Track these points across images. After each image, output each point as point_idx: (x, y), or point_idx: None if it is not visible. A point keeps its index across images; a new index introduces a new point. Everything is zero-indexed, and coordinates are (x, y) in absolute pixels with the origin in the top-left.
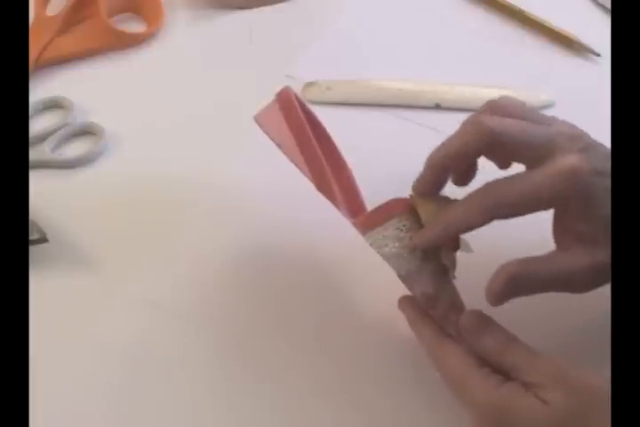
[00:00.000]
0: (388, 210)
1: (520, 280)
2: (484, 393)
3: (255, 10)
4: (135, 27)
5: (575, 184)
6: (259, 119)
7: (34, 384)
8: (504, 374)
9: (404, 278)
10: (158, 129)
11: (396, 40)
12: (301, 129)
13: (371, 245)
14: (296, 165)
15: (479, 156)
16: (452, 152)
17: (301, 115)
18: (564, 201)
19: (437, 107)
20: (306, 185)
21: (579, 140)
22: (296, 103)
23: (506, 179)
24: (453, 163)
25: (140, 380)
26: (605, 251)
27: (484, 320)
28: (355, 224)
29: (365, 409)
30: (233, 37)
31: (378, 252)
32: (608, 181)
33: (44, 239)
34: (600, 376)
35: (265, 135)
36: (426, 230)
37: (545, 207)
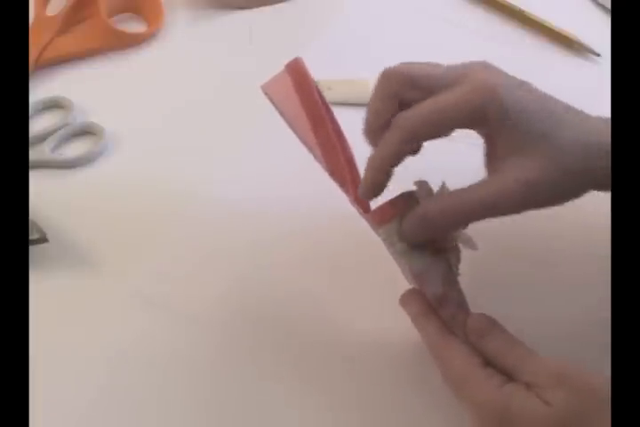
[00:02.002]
0: (401, 204)
1: (433, 221)
2: (486, 393)
3: (255, 10)
4: (135, 27)
5: (491, 96)
6: (267, 89)
7: (34, 384)
8: (507, 375)
9: (414, 277)
10: (158, 129)
11: (396, 40)
12: (314, 103)
13: (383, 240)
14: (304, 143)
15: (397, 103)
16: (378, 107)
17: (315, 88)
18: (482, 115)
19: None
20: (306, 185)
21: (490, 67)
22: (310, 75)
23: (429, 99)
24: (383, 116)
25: (140, 379)
26: (532, 165)
27: (490, 322)
28: (367, 218)
29: (368, 410)
30: (233, 37)
31: (388, 248)
32: (521, 92)
33: (43, 239)
34: (600, 376)
35: (263, 134)
36: (365, 174)
37: (466, 123)
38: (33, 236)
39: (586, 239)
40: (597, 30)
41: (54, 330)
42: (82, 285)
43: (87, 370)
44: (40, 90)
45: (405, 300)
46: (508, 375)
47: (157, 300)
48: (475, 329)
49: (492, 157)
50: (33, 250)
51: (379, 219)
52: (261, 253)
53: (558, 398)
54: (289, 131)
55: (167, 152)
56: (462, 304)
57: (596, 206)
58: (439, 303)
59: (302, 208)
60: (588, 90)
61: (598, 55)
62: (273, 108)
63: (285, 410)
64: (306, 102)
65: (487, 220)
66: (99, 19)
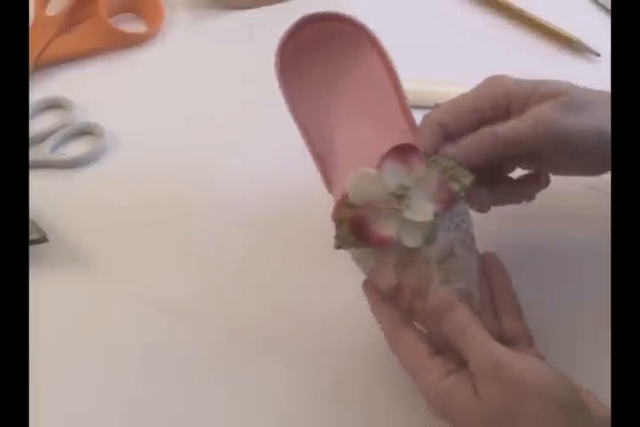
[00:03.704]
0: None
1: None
2: (429, 385)
3: (255, 10)
4: (135, 27)
5: (551, 133)
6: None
7: (34, 384)
8: (461, 360)
9: (368, 274)
10: (158, 129)
11: (395, 40)
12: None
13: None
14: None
15: (486, 112)
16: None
17: (277, 62)
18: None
19: (437, 107)
20: (306, 185)
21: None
22: (279, 47)
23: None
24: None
25: (140, 379)
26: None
27: (449, 301)
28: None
29: (373, 409)
30: (233, 37)
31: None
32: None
33: (44, 239)
34: (543, 372)
35: (263, 134)
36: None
37: (525, 148)
38: (33, 236)
39: (586, 239)
40: (597, 30)
41: (54, 330)
42: (82, 285)
43: (87, 370)
44: (40, 90)
45: (365, 288)
46: (462, 360)
47: (157, 299)
48: (432, 312)
49: None
50: (33, 250)
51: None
52: (263, 253)
53: (489, 393)
54: (288, 130)
55: (167, 152)
56: (420, 290)
57: (597, 206)
58: (394, 294)
59: (305, 208)
60: None
61: (598, 55)
62: (273, 108)
63: (286, 410)
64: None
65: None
66: (99, 19)
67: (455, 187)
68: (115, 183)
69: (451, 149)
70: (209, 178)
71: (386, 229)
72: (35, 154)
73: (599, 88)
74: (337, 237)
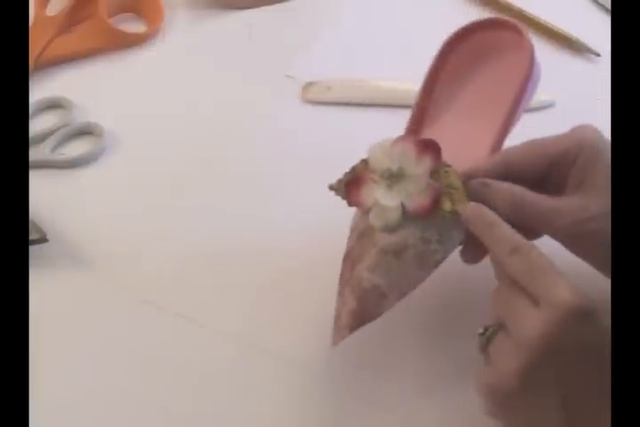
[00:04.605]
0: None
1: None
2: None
3: (255, 10)
4: (135, 27)
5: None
6: None
7: (34, 384)
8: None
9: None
10: (158, 129)
11: (395, 40)
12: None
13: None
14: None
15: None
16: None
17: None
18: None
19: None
20: (306, 185)
21: None
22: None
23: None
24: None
25: (140, 379)
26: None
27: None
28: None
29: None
30: (233, 37)
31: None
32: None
33: (44, 239)
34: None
35: (263, 133)
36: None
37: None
38: (33, 236)
39: None
40: (597, 30)
41: (54, 330)
42: (82, 285)
43: (87, 369)
44: (40, 90)
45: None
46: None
47: (157, 300)
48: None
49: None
50: (33, 250)
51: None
52: (264, 254)
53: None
54: (289, 129)
55: (167, 152)
56: (354, 263)
57: None
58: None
59: (305, 208)
60: (588, 90)
61: (598, 55)
62: (273, 108)
63: (286, 411)
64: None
65: None
66: (99, 19)
67: (446, 205)
68: (115, 183)
69: (478, 180)
70: (209, 178)
71: (365, 197)
72: (35, 154)
73: (599, 88)
74: (340, 180)
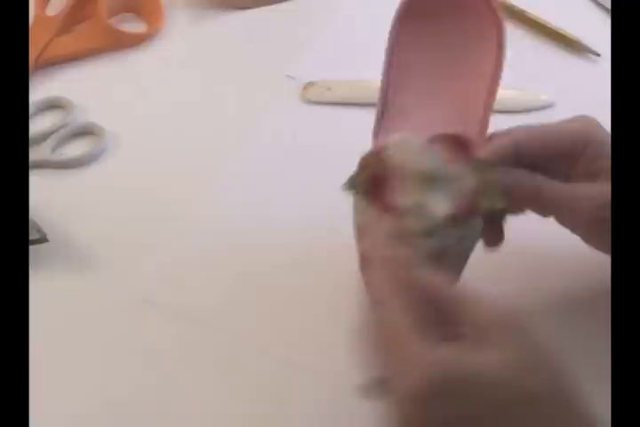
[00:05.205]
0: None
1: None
2: (417, 356)
3: (255, 10)
4: (135, 27)
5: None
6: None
7: (34, 384)
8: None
9: (359, 229)
10: (158, 129)
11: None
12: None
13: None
14: None
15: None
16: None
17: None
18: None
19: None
20: (306, 185)
21: None
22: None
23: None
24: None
25: (140, 379)
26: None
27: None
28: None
29: None
30: (233, 37)
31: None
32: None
33: (44, 239)
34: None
35: (263, 133)
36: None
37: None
38: (33, 236)
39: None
40: (597, 30)
41: (54, 330)
42: (82, 285)
43: (87, 370)
44: (40, 90)
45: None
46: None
47: (157, 300)
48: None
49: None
50: (33, 250)
51: None
52: (261, 254)
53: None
54: (288, 130)
55: (167, 152)
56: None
57: None
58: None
59: (305, 208)
60: (588, 90)
61: (598, 55)
62: (273, 108)
63: (287, 412)
64: None
65: None
66: (99, 19)
67: (485, 204)
68: (115, 183)
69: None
70: (209, 178)
71: (398, 199)
72: (35, 154)
73: (599, 88)
74: (352, 178)
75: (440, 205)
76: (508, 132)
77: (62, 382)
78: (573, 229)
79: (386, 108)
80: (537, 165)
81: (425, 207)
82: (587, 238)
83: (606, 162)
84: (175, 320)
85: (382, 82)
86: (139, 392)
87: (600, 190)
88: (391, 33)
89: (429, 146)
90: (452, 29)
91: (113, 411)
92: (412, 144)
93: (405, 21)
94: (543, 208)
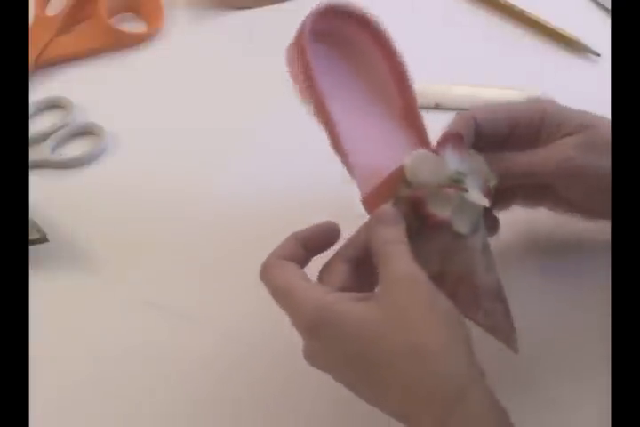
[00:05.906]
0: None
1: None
2: (308, 299)
3: (255, 10)
4: (135, 27)
5: (570, 170)
6: (286, 52)
7: (34, 384)
8: None
9: None
10: (158, 129)
11: (395, 40)
12: (307, 73)
13: None
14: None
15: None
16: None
17: (308, 55)
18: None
19: (437, 107)
20: (306, 185)
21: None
22: (305, 41)
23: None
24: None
25: (140, 380)
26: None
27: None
28: (363, 203)
29: None
30: (233, 37)
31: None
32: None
33: (44, 239)
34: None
35: (263, 133)
36: None
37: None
38: (33, 236)
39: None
40: (597, 30)
41: (54, 330)
42: (82, 285)
43: (87, 370)
44: (40, 90)
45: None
46: None
47: (157, 300)
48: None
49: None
50: (33, 250)
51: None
52: (262, 253)
53: (392, 299)
54: (288, 130)
55: (167, 152)
56: (465, 277)
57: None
58: (437, 280)
59: (305, 209)
60: (588, 90)
61: (598, 55)
62: (272, 108)
63: (287, 413)
64: (301, 73)
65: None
66: (99, 19)
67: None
68: (114, 183)
69: None
70: (209, 178)
71: (442, 211)
72: (35, 154)
73: (599, 88)
74: (395, 205)
75: (476, 198)
76: (463, 113)
77: (62, 382)
78: (556, 203)
79: (347, 157)
80: (501, 140)
81: (465, 207)
82: (563, 193)
83: (566, 127)
84: (175, 320)
85: (331, 136)
86: (139, 392)
87: (558, 146)
88: (301, 60)
89: (444, 152)
90: (354, 61)
91: (113, 411)
92: (427, 156)
93: (316, 47)
94: (519, 178)
